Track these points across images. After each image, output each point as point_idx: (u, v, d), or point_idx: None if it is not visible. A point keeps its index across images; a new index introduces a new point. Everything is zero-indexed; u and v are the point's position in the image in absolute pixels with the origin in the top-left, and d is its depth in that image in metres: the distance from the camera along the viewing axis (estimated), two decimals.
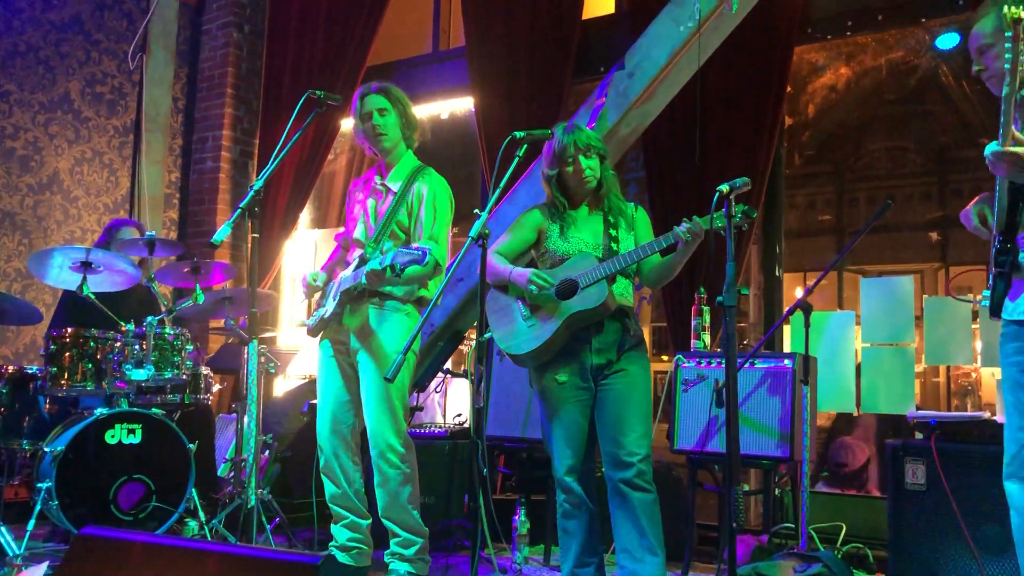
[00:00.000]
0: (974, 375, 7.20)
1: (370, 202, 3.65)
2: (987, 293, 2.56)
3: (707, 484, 4.02)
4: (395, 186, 3.60)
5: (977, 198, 2.63)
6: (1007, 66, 2.24)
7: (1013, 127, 2.25)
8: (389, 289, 3.50)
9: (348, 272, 3.54)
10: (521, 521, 3.93)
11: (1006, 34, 2.23)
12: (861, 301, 4.53)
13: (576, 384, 3.13)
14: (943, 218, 7.95)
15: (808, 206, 8.46)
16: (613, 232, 3.17)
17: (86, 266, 4.13)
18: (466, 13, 5.82)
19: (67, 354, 4.04)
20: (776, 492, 4.13)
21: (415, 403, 4.66)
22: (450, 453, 4.43)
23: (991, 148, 2.31)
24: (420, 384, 4.71)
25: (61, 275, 4.23)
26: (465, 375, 5.04)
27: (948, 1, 4.61)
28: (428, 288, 3.58)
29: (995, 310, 2.51)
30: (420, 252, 3.06)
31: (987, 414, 3.71)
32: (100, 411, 3.93)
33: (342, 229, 3.91)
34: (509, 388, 4.37)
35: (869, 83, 7.11)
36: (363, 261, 3.48)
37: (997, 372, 5.77)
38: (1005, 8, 2.23)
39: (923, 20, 4.94)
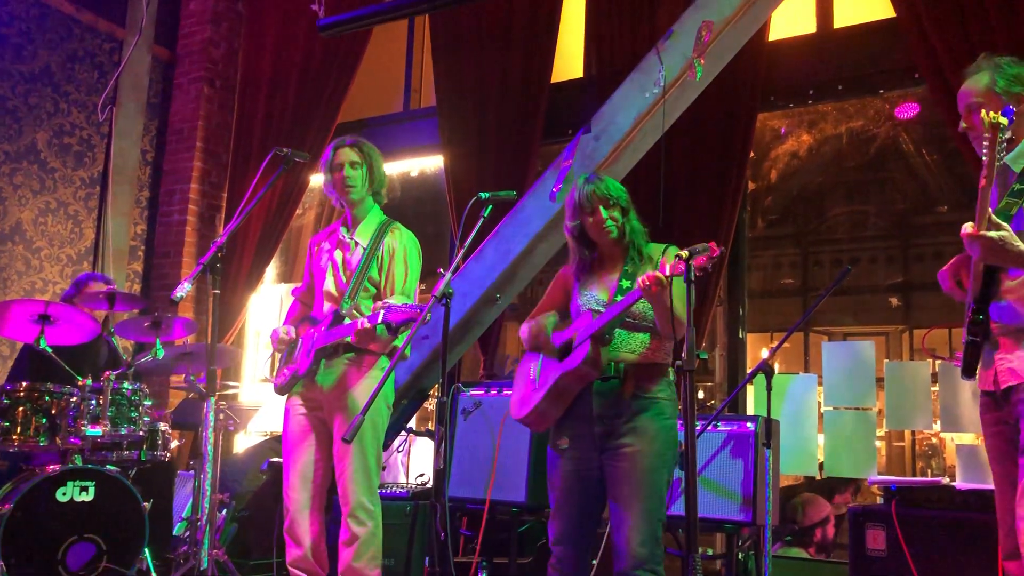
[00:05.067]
0: (935, 440, 7.26)
1: (337, 254, 3.63)
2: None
3: (670, 548, 3.98)
4: (364, 240, 3.60)
5: (955, 259, 2.68)
6: (984, 158, 2.31)
7: (989, 211, 2.32)
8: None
9: (321, 329, 3.51)
10: None
11: (984, 134, 2.30)
12: (823, 364, 4.57)
13: (578, 451, 2.92)
14: (905, 283, 8.08)
15: (773, 267, 8.58)
16: (625, 284, 2.94)
17: (44, 319, 4.07)
18: (437, 73, 5.91)
19: (20, 408, 3.94)
20: (739, 556, 4.10)
21: None
22: (411, 514, 4.36)
23: (966, 229, 2.35)
24: (383, 442, 4.65)
25: (19, 327, 4.16)
26: (429, 434, 4.99)
27: (906, 74, 4.75)
28: (399, 339, 3.55)
29: (967, 371, 2.57)
30: (417, 309, 3.04)
31: (946, 479, 3.74)
32: (52, 468, 3.83)
33: (300, 284, 3.89)
34: (474, 449, 4.33)
35: (830, 150, 7.28)
36: (338, 317, 3.45)
37: (957, 437, 5.83)
38: (984, 113, 2.31)
39: (882, 91, 5.09)
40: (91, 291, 4.52)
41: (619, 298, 2.85)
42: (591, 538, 2.96)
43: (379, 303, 3.38)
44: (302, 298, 3.82)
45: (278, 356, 3.69)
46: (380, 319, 3.14)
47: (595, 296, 3.00)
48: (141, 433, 4.20)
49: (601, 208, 2.98)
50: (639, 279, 2.69)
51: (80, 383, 4.04)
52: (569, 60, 5.86)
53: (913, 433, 7.43)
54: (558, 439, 2.99)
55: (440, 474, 2.92)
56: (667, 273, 2.62)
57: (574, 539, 2.92)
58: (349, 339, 3.38)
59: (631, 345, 2.91)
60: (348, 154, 3.59)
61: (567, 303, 3.12)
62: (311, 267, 3.77)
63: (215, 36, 6.87)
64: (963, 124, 2.61)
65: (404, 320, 3.08)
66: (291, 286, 6.76)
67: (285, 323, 3.78)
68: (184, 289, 3.01)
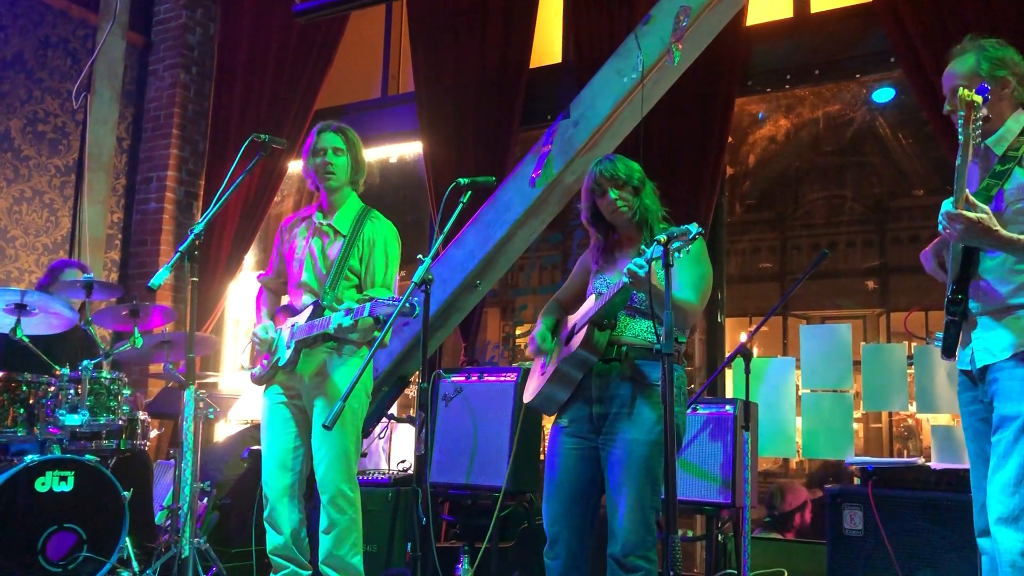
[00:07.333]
0: (911, 421, 7.35)
1: (315, 243, 3.60)
2: (941, 335, 2.64)
3: None
4: (343, 228, 3.57)
5: (937, 240, 2.71)
6: (960, 139, 2.33)
7: (967, 191, 2.35)
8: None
9: (301, 321, 3.47)
10: (464, 569, 3.89)
11: (959, 112, 2.33)
12: (801, 347, 4.60)
13: (577, 431, 2.91)
14: (882, 266, 8.15)
15: (752, 252, 8.62)
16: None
17: (20, 308, 4.04)
18: (415, 59, 5.88)
19: None
20: (719, 538, 4.14)
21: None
22: (393, 500, 4.37)
23: (945, 208, 2.37)
24: (364, 430, 4.65)
25: None
26: (410, 420, 5.00)
27: (882, 58, 4.78)
28: (377, 331, 3.54)
29: (947, 351, 2.62)
30: (408, 305, 3.01)
31: (922, 459, 3.79)
32: (30, 458, 3.80)
33: (265, 270, 3.84)
34: (454, 434, 4.34)
35: (807, 134, 7.32)
36: (318, 308, 3.44)
37: (933, 418, 5.90)
38: (961, 90, 2.33)
39: (858, 75, 5.12)
40: (66, 279, 4.48)
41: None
42: (587, 520, 2.90)
43: (362, 297, 3.39)
44: (269, 284, 3.78)
45: (256, 346, 3.66)
46: (367, 312, 3.13)
47: (607, 280, 2.95)
48: (120, 422, 4.17)
49: (611, 189, 2.93)
50: (626, 266, 2.63)
51: (57, 372, 4.01)
52: (547, 45, 5.85)
53: (890, 414, 7.52)
54: (562, 417, 2.98)
55: (422, 460, 2.93)
56: (646, 258, 2.57)
57: (569, 521, 2.88)
58: (330, 330, 3.37)
59: (635, 330, 2.88)
60: (332, 139, 3.57)
61: (587, 285, 3.09)
62: (282, 252, 3.73)
63: (190, 22, 6.80)
64: (947, 107, 2.61)
65: (392, 313, 3.07)
66: None
67: (257, 314, 3.74)
68: (161, 276, 2.99)
